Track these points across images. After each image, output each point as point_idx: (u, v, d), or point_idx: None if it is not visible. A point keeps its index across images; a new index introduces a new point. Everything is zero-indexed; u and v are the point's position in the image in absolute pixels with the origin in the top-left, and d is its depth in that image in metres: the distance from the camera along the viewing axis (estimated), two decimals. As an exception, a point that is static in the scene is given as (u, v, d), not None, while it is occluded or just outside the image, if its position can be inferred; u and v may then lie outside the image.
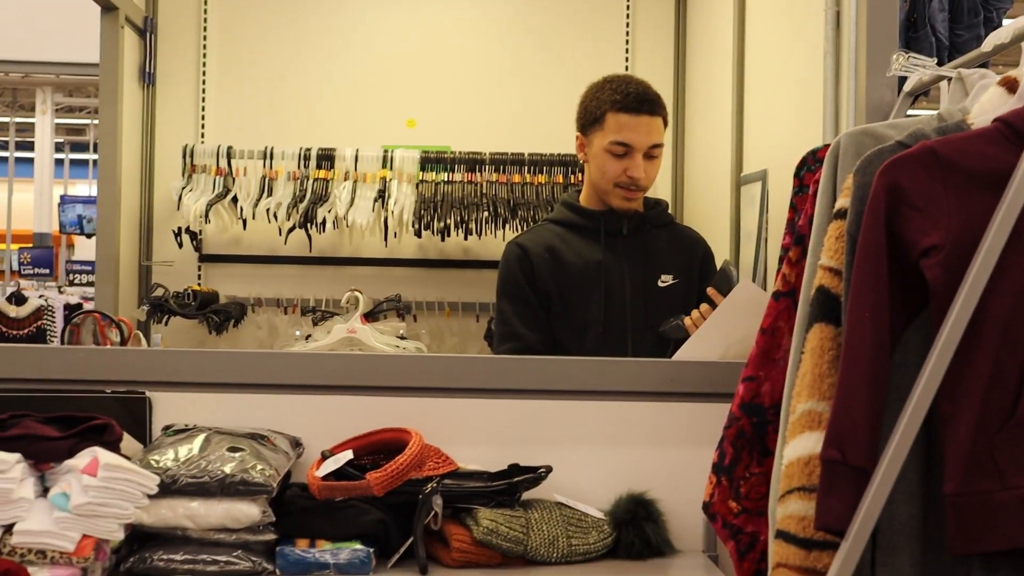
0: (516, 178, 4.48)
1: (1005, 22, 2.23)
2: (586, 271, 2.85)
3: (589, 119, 2.90)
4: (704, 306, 2.70)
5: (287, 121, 4.66)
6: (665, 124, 2.91)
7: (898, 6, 2.57)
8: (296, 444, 2.25)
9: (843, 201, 1.81)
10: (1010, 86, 1.80)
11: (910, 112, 2.35)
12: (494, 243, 4.43)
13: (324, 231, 4.41)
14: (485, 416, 2.33)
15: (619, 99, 2.84)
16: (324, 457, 2.17)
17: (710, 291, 2.70)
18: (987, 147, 1.68)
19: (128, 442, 2.16)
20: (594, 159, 2.89)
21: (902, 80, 2.31)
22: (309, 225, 4.38)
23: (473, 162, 4.50)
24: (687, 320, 2.70)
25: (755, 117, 3.54)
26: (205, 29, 4.66)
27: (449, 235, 4.41)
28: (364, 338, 4.01)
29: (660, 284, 2.79)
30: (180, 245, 4.50)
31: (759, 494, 1.99)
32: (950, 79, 2.10)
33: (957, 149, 1.69)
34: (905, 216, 1.68)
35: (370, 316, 4.18)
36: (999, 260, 1.58)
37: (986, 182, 1.64)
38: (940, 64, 2.29)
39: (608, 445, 2.33)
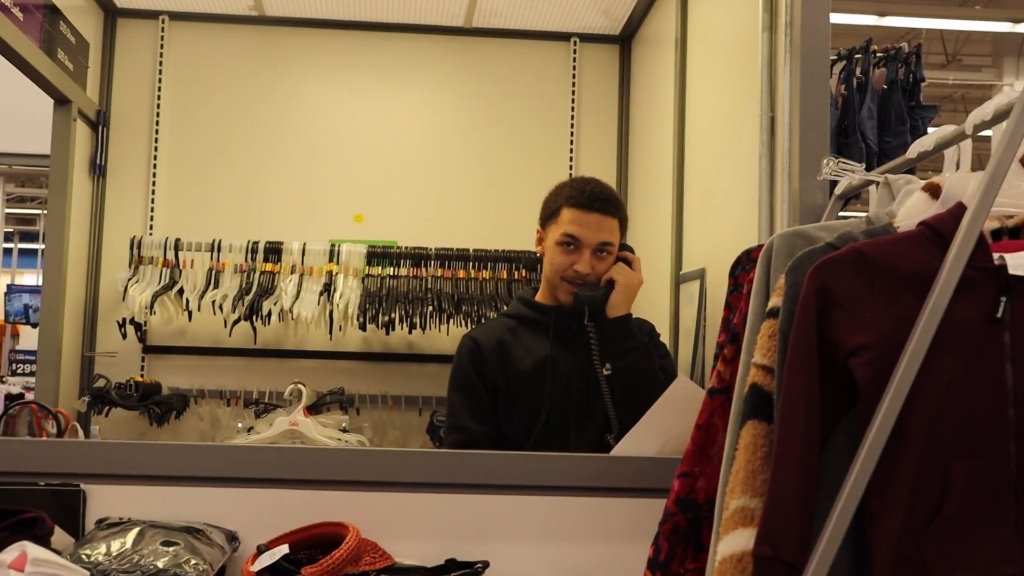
0: (461, 273, 4.50)
1: (930, 130, 2.28)
2: (533, 366, 2.82)
3: (547, 212, 2.91)
4: (619, 263, 2.85)
5: (235, 214, 4.66)
6: (623, 227, 2.90)
7: (829, 113, 2.62)
8: (232, 538, 2.20)
9: (775, 300, 1.82)
10: (933, 191, 1.83)
11: (842, 214, 2.38)
12: (438, 337, 4.44)
13: (269, 323, 4.39)
14: (424, 510, 2.30)
15: (575, 195, 2.84)
16: (260, 551, 2.12)
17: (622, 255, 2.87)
18: (912, 250, 1.70)
19: (60, 536, 2.11)
20: (547, 252, 2.89)
21: (834, 183, 2.35)
22: (254, 317, 4.37)
23: (419, 257, 4.52)
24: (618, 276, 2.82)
25: (694, 216, 3.58)
26: (157, 123, 4.68)
27: (394, 329, 4.40)
28: (306, 431, 3.96)
29: (605, 372, 2.77)
30: (124, 336, 4.45)
31: (694, 590, 1.97)
32: (878, 184, 2.14)
33: (884, 251, 1.71)
34: (834, 316, 1.69)
35: (313, 409, 4.14)
36: (924, 360, 1.60)
37: (911, 284, 1.65)
38: (869, 169, 2.34)
39: (545, 540, 2.30)
